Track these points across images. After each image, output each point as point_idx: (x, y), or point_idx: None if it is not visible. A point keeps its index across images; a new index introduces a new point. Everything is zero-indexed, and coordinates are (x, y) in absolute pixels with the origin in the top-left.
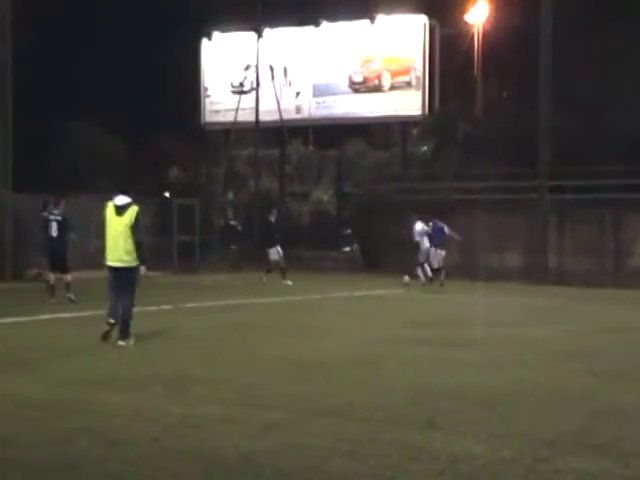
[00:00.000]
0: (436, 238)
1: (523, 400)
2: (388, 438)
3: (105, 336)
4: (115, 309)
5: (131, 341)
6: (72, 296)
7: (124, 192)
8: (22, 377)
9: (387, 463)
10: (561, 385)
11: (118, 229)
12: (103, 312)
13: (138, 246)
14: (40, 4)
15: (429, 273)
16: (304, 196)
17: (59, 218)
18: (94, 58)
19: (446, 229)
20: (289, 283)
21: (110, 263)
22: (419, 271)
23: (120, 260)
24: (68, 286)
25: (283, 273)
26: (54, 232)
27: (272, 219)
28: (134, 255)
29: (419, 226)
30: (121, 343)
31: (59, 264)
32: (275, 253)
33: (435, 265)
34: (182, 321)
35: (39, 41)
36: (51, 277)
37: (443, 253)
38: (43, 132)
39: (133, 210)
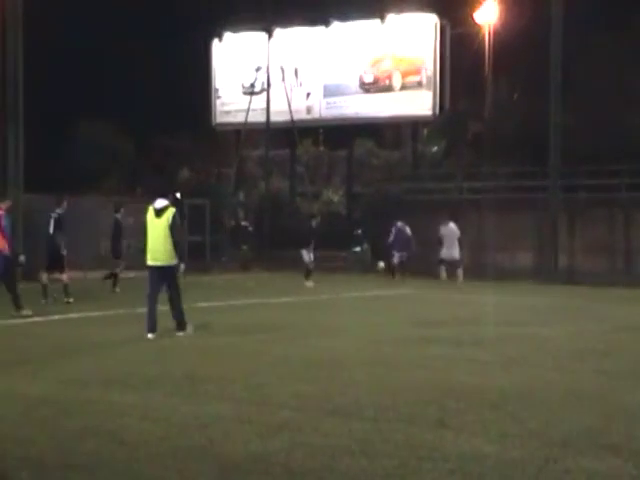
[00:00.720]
0: (399, 243)
1: (534, 400)
2: (398, 437)
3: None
4: (152, 319)
5: (189, 329)
6: (70, 299)
7: (163, 196)
8: (32, 377)
9: (397, 462)
10: (572, 385)
11: (157, 230)
12: (111, 312)
13: (176, 245)
14: (51, 4)
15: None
16: (314, 196)
17: (57, 216)
18: (105, 58)
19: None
20: (310, 285)
21: (151, 263)
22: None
23: (160, 259)
24: (66, 288)
25: (307, 274)
26: (50, 230)
27: (313, 224)
28: (172, 254)
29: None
30: (179, 334)
31: (55, 263)
32: (306, 254)
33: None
34: (193, 321)
35: (49, 41)
36: (43, 277)
37: (405, 254)
38: (54, 132)
39: (170, 212)
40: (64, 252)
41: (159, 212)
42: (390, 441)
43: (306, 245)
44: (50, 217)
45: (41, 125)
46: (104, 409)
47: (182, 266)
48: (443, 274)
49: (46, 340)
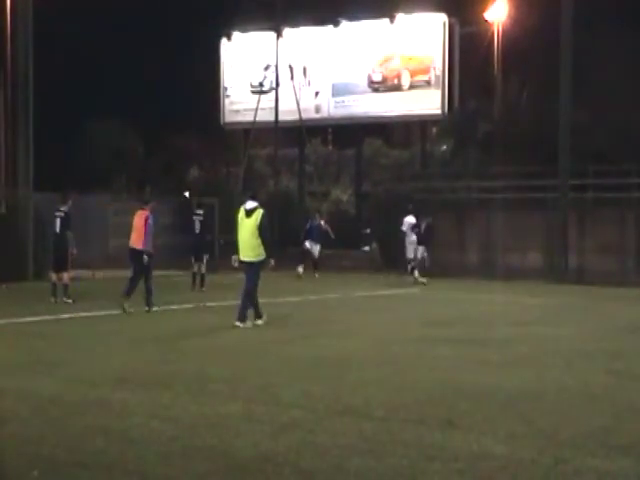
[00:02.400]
0: (313, 234)
1: (543, 400)
2: (407, 437)
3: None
4: (243, 310)
5: (248, 324)
6: (69, 300)
7: (253, 197)
8: (42, 376)
9: (406, 462)
10: (582, 385)
11: (246, 229)
12: (119, 312)
13: (264, 243)
14: (62, 3)
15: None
16: (323, 195)
17: (62, 214)
18: (114, 58)
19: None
20: (300, 270)
21: (242, 259)
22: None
23: (249, 256)
24: (66, 288)
25: (315, 266)
26: (57, 229)
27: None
28: (260, 251)
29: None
30: (258, 322)
31: (58, 262)
32: (313, 246)
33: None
34: (202, 319)
35: (60, 40)
36: (53, 276)
37: (318, 247)
38: (65, 131)
39: (259, 212)
40: (74, 251)
41: (249, 212)
42: (399, 441)
43: (310, 239)
44: (56, 216)
45: (51, 124)
46: (114, 408)
47: (272, 261)
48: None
49: (56, 339)
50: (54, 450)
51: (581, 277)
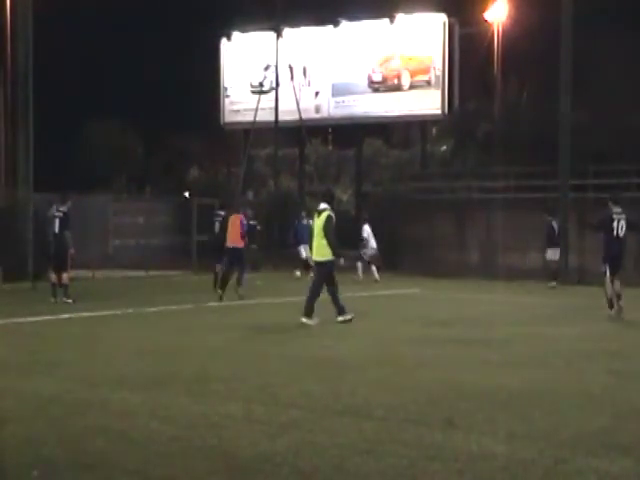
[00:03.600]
0: (301, 234)
1: (543, 400)
2: (407, 437)
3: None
4: (308, 307)
5: (313, 321)
6: (69, 300)
7: (325, 199)
8: (42, 376)
9: (406, 462)
10: (582, 385)
11: (316, 230)
12: (119, 312)
13: (329, 244)
14: (62, 4)
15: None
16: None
17: (62, 215)
18: (114, 58)
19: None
20: (298, 274)
21: (313, 258)
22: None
23: (317, 255)
24: (66, 288)
25: (307, 267)
26: (56, 229)
27: (305, 221)
28: (326, 251)
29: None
30: (303, 320)
31: (57, 262)
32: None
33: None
34: (202, 320)
35: (60, 41)
36: (52, 276)
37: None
38: (64, 131)
39: (325, 214)
40: (72, 251)
41: (318, 214)
42: (399, 441)
43: (304, 242)
44: (55, 216)
45: (52, 124)
46: (114, 408)
47: (341, 260)
48: (360, 272)
49: (56, 339)
50: (54, 450)
51: (581, 277)
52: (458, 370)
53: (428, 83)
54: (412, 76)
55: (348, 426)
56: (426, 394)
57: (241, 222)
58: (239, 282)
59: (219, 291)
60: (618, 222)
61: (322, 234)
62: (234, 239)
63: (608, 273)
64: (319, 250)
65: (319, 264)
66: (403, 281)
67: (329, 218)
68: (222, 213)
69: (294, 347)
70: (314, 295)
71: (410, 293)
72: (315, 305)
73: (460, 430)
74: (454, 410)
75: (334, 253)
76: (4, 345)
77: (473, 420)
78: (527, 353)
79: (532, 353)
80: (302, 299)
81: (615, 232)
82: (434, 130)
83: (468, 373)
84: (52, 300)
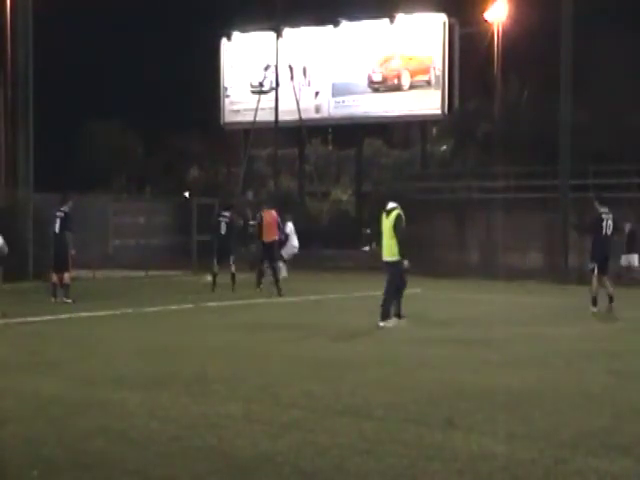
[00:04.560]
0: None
1: (543, 400)
2: (407, 437)
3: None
4: (385, 309)
5: (391, 323)
6: (69, 300)
7: (393, 199)
8: (42, 376)
9: (406, 462)
10: (582, 385)
11: (385, 230)
12: (118, 312)
13: (399, 244)
14: (60, 4)
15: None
16: (323, 195)
17: (62, 215)
18: (114, 58)
19: None
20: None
21: (383, 258)
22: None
23: (386, 255)
24: (66, 288)
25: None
26: (57, 229)
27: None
28: (395, 251)
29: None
30: (381, 324)
31: (59, 262)
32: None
33: None
34: (202, 320)
35: (60, 41)
36: (53, 276)
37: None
38: (64, 132)
39: (395, 213)
40: (73, 251)
41: (387, 213)
42: (399, 441)
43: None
44: (56, 216)
45: (52, 125)
46: (114, 408)
47: (405, 262)
48: (284, 272)
49: (56, 339)
50: (54, 450)
51: (582, 277)
52: (458, 370)
53: (428, 83)
54: (412, 76)
55: (349, 426)
56: (426, 394)
57: (275, 217)
58: (276, 278)
59: (261, 287)
60: (606, 222)
61: (392, 233)
62: (269, 234)
63: (596, 272)
64: (390, 250)
65: (390, 264)
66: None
67: (399, 217)
68: (227, 214)
69: (295, 347)
70: (390, 297)
71: (410, 293)
72: (394, 306)
73: (460, 430)
74: (454, 410)
75: (402, 254)
76: (4, 345)
77: (473, 420)
78: (527, 353)
79: (532, 353)
80: (302, 299)
81: (604, 231)
82: (434, 130)
83: (468, 373)
84: (52, 300)
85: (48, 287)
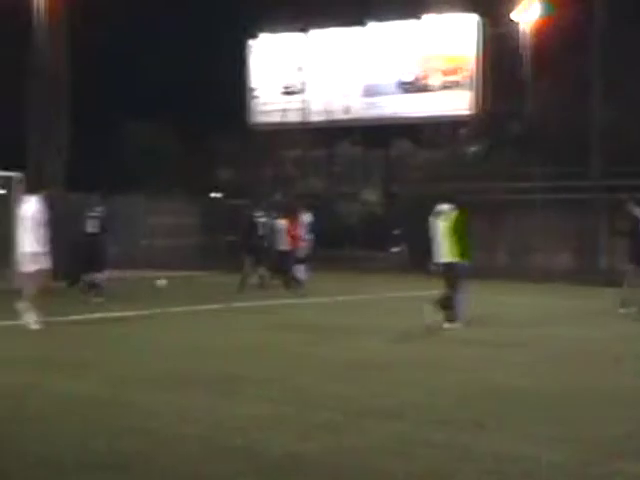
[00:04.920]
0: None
1: (573, 402)
2: (438, 438)
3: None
4: (448, 312)
5: (455, 325)
6: (100, 300)
7: (449, 200)
8: (73, 375)
9: (436, 463)
10: (612, 388)
11: (443, 231)
12: (148, 312)
13: (457, 245)
14: (93, 5)
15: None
16: (352, 196)
17: (98, 215)
18: (147, 58)
19: None
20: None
21: (439, 260)
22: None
23: (443, 256)
24: (98, 288)
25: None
26: (92, 229)
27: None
28: (454, 252)
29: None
30: (446, 325)
31: (93, 262)
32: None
33: None
34: (232, 320)
35: (95, 41)
36: (86, 276)
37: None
38: (101, 132)
39: (455, 214)
40: (109, 251)
41: (442, 215)
42: (429, 442)
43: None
44: (90, 216)
45: (89, 125)
46: (144, 408)
47: (465, 263)
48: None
49: (87, 339)
50: (84, 449)
51: (613, 279)
52: (489, 372)
53: (458, 83)
54: (443, 76)
55: (379, 427)
56: (456, 395)
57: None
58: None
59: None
60: None
61: (450, 235)
62: (288, 242)
63: (631, 274)
64: (448, 251)
65: (448, 266)
66: (434, 283)
67: (459, 218)
68: (261, 214)
69: (325, 348)
70: (452, 298)
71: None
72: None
73: (490, 432)
74: (484, 411)
75: (465, 255)
76: (35, 345)
77: (503, 422)
78: (558, 355)
79: (563, 355)
80: (332, 300)
81: None
82: (465, 131)
83: (499, 375)
84: (88, 299)
85: (82, 287)
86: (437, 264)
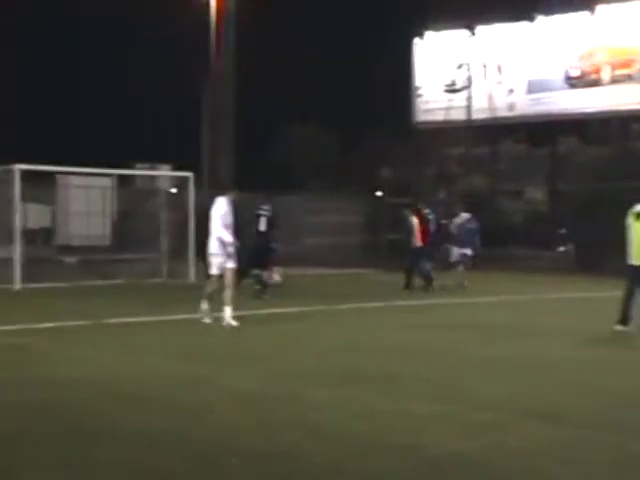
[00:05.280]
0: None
1: None
2: (602, 444)
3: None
4: (625, 313)
5: (629, 327)
6: (265, 296)
7: None
8: (239, 370)
9: (600, 470)
10: None
11: (637, 232)
12: (312, 309)
13: None
14: (261, 13)
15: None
16: (516, 194)
17: (268, 214)
18: (307, 59)
19: None
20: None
21: (633, 262)
22: None
23: (636, 258)
24: (265, 285)
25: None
26: (262, 227)
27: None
28: None
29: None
30: (618, 328)
31: (262, 259)
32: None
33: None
34: (393, 318)
35: (257, 45)
36: (253, 273)
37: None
38: (264, 134)
39: None
40: (276, 250)
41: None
42: (593, 448)
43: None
44: (260, 215)
45: (252, 129)
46: (307, 403)
47: None
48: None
49: (252, 334)
50: (251, 441)
51: None
52: None
53: (630, 77)
54: (613, 70)
55: (541, 430)
56: (628, 400)
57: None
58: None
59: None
60: None
61: None
62: (418, 239)
63: None
64: None
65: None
66: (602, 284)
67: None
68: (429, 211)
69: (488, 347)
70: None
71: (608, 296)
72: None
73: None
74: None
75: None
76: (208, 338)
77: None
78: None
79: None
80: (493, 299)
81: None
82: (637, 126)
83: None
84: (260, 295)
85: (257, 281)
86: (632, 266)
